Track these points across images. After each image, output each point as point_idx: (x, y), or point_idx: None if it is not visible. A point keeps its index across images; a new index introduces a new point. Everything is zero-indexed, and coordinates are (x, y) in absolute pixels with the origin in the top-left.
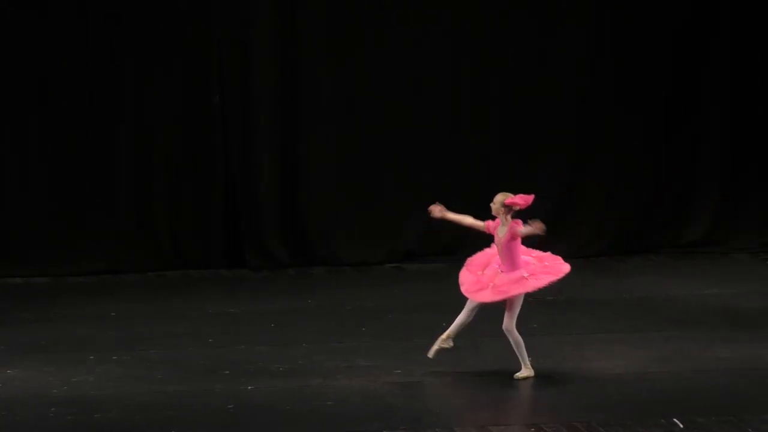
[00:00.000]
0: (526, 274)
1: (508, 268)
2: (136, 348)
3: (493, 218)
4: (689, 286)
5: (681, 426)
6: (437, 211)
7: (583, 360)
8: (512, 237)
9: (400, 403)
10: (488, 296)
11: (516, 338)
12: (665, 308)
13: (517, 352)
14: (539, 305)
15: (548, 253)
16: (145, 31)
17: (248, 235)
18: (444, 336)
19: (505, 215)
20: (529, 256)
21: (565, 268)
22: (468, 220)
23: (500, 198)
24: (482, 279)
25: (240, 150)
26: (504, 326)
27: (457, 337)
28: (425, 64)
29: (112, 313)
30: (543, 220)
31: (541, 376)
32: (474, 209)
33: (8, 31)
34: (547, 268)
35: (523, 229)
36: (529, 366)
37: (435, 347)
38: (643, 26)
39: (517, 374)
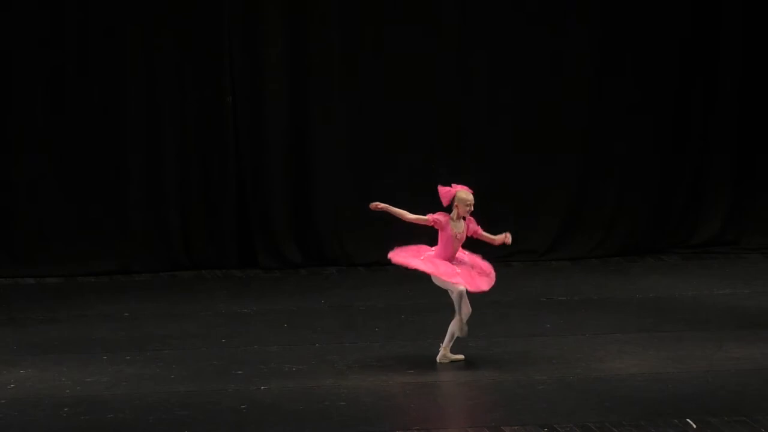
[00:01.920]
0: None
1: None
2: (149, 348)
3: (433, 212)
4: (701, 286)
5: (694, 426)
6: (377, 206)
7: (596, 360)
8: (473, 234)
9: (413, 403)
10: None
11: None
12: (677, 308)
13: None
14: (551, 305)
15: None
16: (155, 27)
17: (260, 235)
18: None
19: (467, 212)
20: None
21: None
22: (408, 215)
23: (470, 196)
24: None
25: (251, 150)
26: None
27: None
28: (433, 63)
29: (125, 314)
30: (552, 222)
31: (554, 377)
32: (482, 209)
33: (14, 29)
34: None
35: (482, 233)
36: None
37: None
38: (651, 26)
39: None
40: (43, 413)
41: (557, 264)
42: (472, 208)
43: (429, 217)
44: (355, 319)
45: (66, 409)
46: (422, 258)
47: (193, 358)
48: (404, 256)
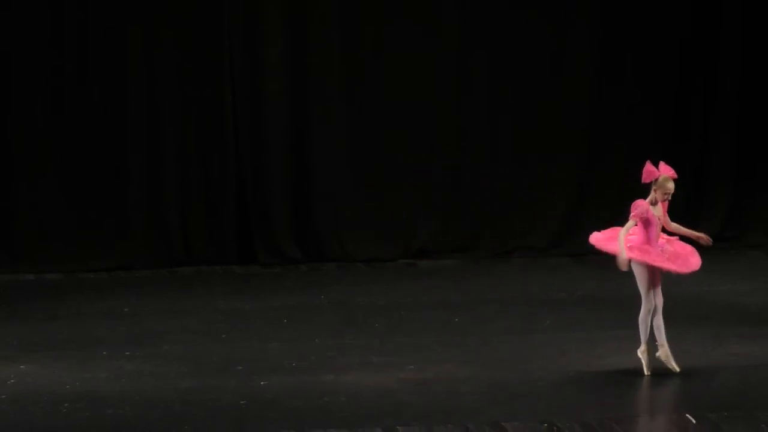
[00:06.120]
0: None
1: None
2: (148, 344)
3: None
4: (702, 282)
5: (694, 422)
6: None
7: (595, 357)
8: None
9: (413, 400)
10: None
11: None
12: (678, 305)
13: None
14: (551, 303)
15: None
16: (155, 27)
17: (260, 231)
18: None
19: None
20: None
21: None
22: (623, 234)
23: (671, 185)
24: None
25: (251, 150)
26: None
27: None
28: (433, 63)
29: (125, 309)
30: (552, 220)
31: (554, 373)
32: (484, 207)
33: (14, 29)
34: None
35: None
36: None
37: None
38: (651, 26)
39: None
40: (43, 409)
41: (557, 261)
42: (670, 198)
43: (633, 219)
44: (355, 315)
45: (66, 405)
46: (629, 246)
47: (193, 354)
48: (607, 240)
